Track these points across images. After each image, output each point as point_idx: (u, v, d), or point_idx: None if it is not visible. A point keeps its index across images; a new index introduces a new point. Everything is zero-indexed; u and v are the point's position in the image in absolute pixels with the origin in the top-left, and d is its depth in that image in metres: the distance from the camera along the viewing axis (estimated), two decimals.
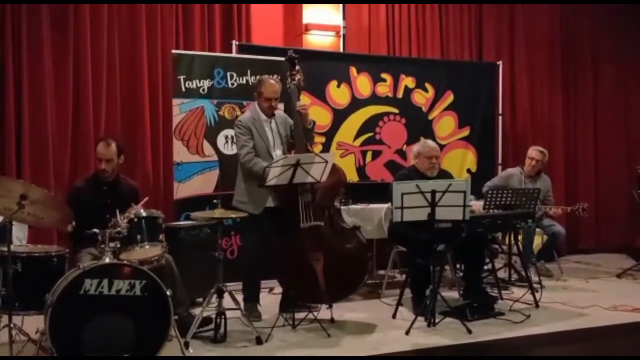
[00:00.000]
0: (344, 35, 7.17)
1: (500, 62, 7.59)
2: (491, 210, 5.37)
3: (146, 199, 4.45)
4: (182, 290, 4.40)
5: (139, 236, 3.86)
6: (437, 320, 4.67)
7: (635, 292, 5.97)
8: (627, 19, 8.57)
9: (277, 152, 4.87)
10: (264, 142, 4.85)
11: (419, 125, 7.02)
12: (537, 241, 6.59)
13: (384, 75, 6.92)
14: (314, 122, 5.04)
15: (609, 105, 8.53)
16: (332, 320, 4.78)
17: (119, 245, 3.76)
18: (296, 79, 4.88)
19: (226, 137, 5.90)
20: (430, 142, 5.56)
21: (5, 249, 3.69)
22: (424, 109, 7.10)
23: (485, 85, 7.45)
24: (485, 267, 5.66)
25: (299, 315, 4.72)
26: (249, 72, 6.03)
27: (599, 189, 8.43)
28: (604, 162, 8.50)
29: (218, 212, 4.32)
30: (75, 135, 6.01)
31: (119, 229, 3.78)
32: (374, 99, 6.87)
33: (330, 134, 6.63)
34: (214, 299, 4.33)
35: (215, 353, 4.09)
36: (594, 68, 8.48)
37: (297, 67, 4.91)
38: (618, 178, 8.37)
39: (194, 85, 5.89)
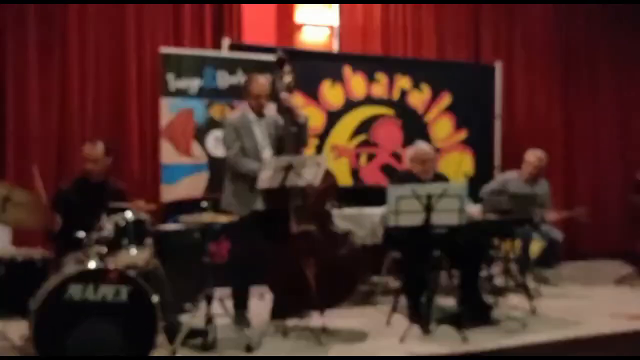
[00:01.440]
0: (338, 34, 7.17)
1: (497, 64, 7.62)
2: (488, 215, 5.38)
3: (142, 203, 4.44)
4: (170, 296, 4.37)
5: (125, 240, 3.86)
6: (432, 328, 4.68)
7: (633, 299, 6.01)
8: (624, 19, 8.61)
9: (266, 153, 4.85)
10: (252, 142, 4.84)
11: (414, 127, 7.02)
12: (535, 247, 6.61)
13: (378, 76, 6.93)
14: (307, 118, 4.99)
15: (608, 108, 8.57)
16: (323, 328, 4.78)
17: (104, 250, 3.75)
18: (286, 79, 4.85)
19: (216, 138, 5.89)
20: (424, 145, 5.56)
21: None
22: (420, 111, 7.12)
23: (483, 87, 7.46)
24: (482, 274, 5.68)
25: (291, 322, 4.73)
26: (240, 71, 6.03)
27: (598, 193, 8.47)
28: (602, 166, 8.54)
29: (208, 217, 4.32)
30: (61, 136, 5.99)
31: (104, 232, 3.77)
32: (369, 100, 6.88)
33: (323, 136, 6.64)
34: (203, 305, 4.33)
35: None
36: (592, 69, 8.51)
37: (287, 67, 4.87)
38: (616, 183, 8.42)
39: (183, 85, 5.89)
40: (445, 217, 4.59)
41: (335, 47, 7.16)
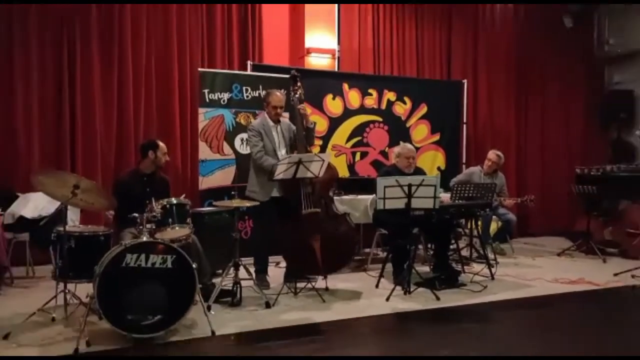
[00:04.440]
0: (338, 57, 7.15)
1: (465, 81, 7.58)
2: (456, 201, 5.38)
3: (183, 195, 4.43)
4: (206, 264, 4.39)
5: (170, 219, 3.84)
6: (412, 290, 4.68)
7: (573, 267, 5.99)
8: (569, 43, 8.58)
9: (282, 152, 4.85)
10: (271, 143, 4.84)
11: (398, 131, 7.01)
12: (493, 226, 6.61)
13: (370, 90, 6.91)
14: (315, 123, 5.01)
15: (553, 115, 8.55)
16: (326, 289, 4.79)
17: (154, 227, 3.74)
18: (298, 93, 4.86)
19: (242, 139, 5.89)
20: (408, 145, 5.56)
21: (62, 228, 3.72)
22: (403, 118, 7.10)
23: (453, 99, 7.44)
24: (451, 247, 5.67)
25: (300, 284, 4.73)
26: (261, 87, 6.02)
27: (544, 183, 8.45)
28: (549, 162, 8.52)
29: (236, 202, 4.32)
30: (119, 137, 6.02)
31: (154, 213, 3.78)
32: (362, 110, 6.86)
33: (326, 138, 6.63)
34: (232, 271, 4.34)
35: (232, 315, 4.09)
36: (541, 84, 8.48)
37: (299, 84, 4.89)
38: (560, 175, 8.38)
39: (216, 97, 5.88)
40: (423, 202, 4.58)
41: (335, 68, 7.13)
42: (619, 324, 4.13)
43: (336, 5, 7.07)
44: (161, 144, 4.49)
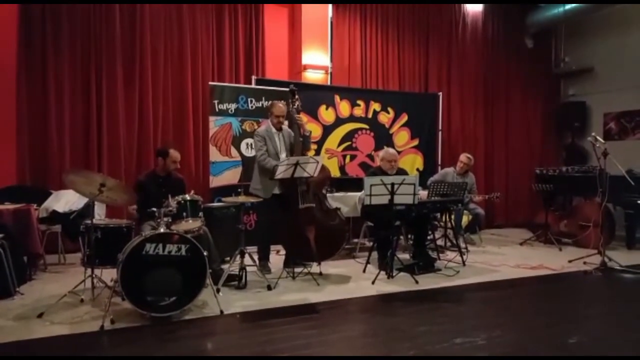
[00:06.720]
0: (331, 72, 7.15)
1: (440, 93, 7.59)
2: (433, 197, 5.39)
3: (192, 191, 4.41)
4: (215, 252, 4.38)
5: (184, 213, 3.83)
6: (394, 274, 4.70)
7: (533, 255, 6.02)
8: (530, 61, 8.61)
9: (283, 155, 4.85)
10: (274, 147, 4.83)
11: (383, 137, 7.01)
12: (465, 219, 6.62)
13: (358, 102, 6.90)
14: (310, 132, 5.01)
15: (517, 124, 8.57)
16: (320, 274, 4.79)
17: (170, 220, 3.73)
18: (296, 104, 4.86)
19: (247, 144, 5.88)
20: (391, 149, 5.56)
21: (90, 221, 3.70)
22: (387, 126, 7.10)
23: (430, 109, 7.45)
24: (428, 237, 5.69)
25: (297, 270, 4.73)
26: (263, 98, 6.01)
27: (509, 182, 8.47)
28: (512, 164, 8.54)
29: (241, 198, 4.31)
30: (140, 142, 6.00)
31: (170, 208, 3.76)
32: (352, 118, 6.86)
33: (320, 143, 6.62)
34: (238, 258, 4.33)
35: (238, 297, 4.08)
36: (506, 97, 8.50)
37: (297, 96, 4.89)
38: (522, 175, 8.42)
39: (225, 107, 5.86)
40: (404, 198, 4.59)
41: (328, 82, 7.12)
42: (572, 302, 4.16)
43: (329, 27, 7.06)
44: (174, 153, 4.43)
